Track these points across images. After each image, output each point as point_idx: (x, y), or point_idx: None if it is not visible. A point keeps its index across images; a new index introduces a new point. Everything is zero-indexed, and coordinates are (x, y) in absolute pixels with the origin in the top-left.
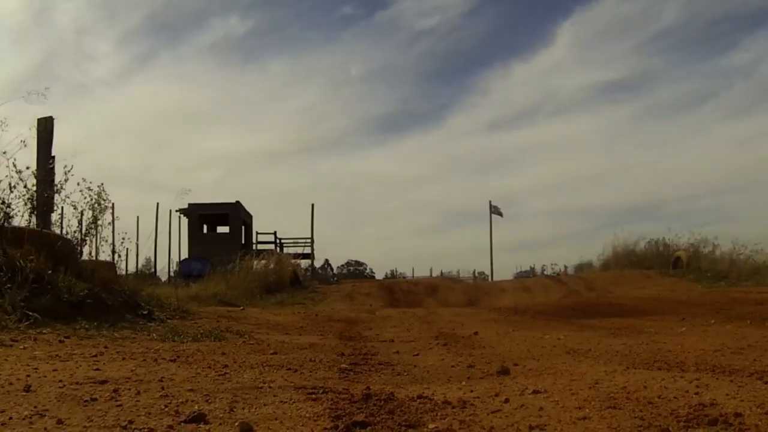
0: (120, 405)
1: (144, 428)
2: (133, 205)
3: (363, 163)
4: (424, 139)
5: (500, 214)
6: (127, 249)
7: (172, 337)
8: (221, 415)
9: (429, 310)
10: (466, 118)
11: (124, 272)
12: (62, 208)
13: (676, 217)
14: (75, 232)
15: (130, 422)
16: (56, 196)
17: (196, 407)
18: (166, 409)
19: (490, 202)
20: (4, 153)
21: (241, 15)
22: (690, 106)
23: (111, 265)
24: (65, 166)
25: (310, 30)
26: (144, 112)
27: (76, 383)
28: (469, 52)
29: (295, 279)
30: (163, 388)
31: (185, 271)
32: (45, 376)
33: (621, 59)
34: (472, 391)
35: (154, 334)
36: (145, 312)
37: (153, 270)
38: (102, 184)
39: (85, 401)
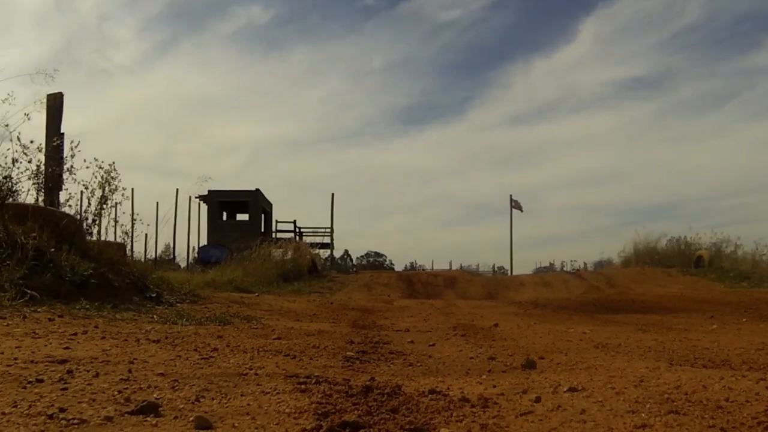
0: (65, 389)
1: (75, 419)
2: (154, 192)
3: (384, 155)
4: (445, 132)
5: (520, 209)
6: (146, 234)
7: (175, 320)
8: (181, 406)
9: (448, 301)
10: (487, 112)
11: (142, 256)
12: (74, 187)
13: (696, 216)
14: (85, 211)
15: (62, 410)
16: (66, 174)
17: (154, 395)
18: (118, 395)
19: (510, 196)
20: (7, 126)
21: (263, 3)
22: (712, 105)
23: (120, 246)
24: (72, 142)
25: (332, 20)
26: (165, 98)
27: (31, 362)
28: (491, 45)
29: (313, 268)
30: (129, 371)
31: (204, 258)
32: (2, 353)
33: (643, 56)
34: (495, 386)
35: (155, 317)
36: (154, 295)
37: (172, 256)
38: (113, 162)
39: (28, 382)
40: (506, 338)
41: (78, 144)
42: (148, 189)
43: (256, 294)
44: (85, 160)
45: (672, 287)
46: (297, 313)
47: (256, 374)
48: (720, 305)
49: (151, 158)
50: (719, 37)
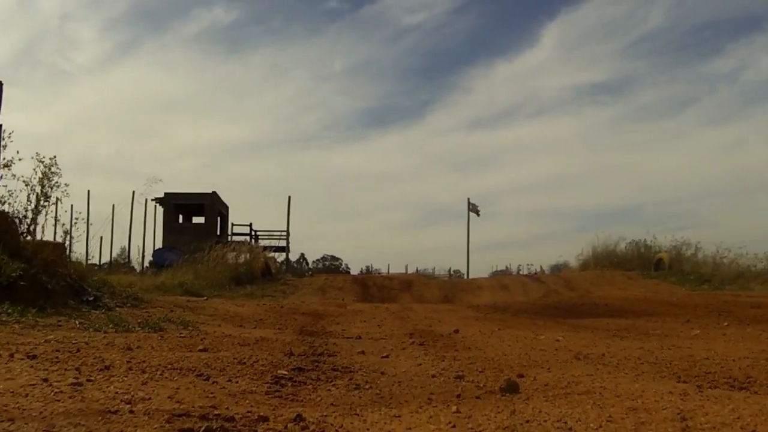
0: None
1: None
2: (112, 194)
3: (343, 158)
4: (405, 135)
5: (477, 213)
6: (101, 237)
7: (101, 327)
8: None
9: (403, 305)
10: (447, 116)
11: (95, 258)
12: (13, 183)
13: (654, 221)
14: (24, 208)
15: None
16: (2, 170)
17: None
18: None
19: (468, 199)
20: None
21: (226, 5)
22: (672, 110)
23: (58, 247)
24: (4, 131)
25: (294, 22)
26: (126, 100)
27: None
28: (453, 49)
29: (266, 271)
30: None
31: (158, 261)
32: None
33: (605, 62)
34: (472, 428)
35: (81, 322)
36: (91, 299)
37: (127, 259)
38: (54, 156)
39: None
40: (470, 347)
41: (11, 134)
42: (106, 191)
43: (205, 298)
44: (18, 152)
45: (633, 290)
46: (242, 318)
47: (131, 412)
48: (687, 308)
49: (109, 160)
50: (681, 44)
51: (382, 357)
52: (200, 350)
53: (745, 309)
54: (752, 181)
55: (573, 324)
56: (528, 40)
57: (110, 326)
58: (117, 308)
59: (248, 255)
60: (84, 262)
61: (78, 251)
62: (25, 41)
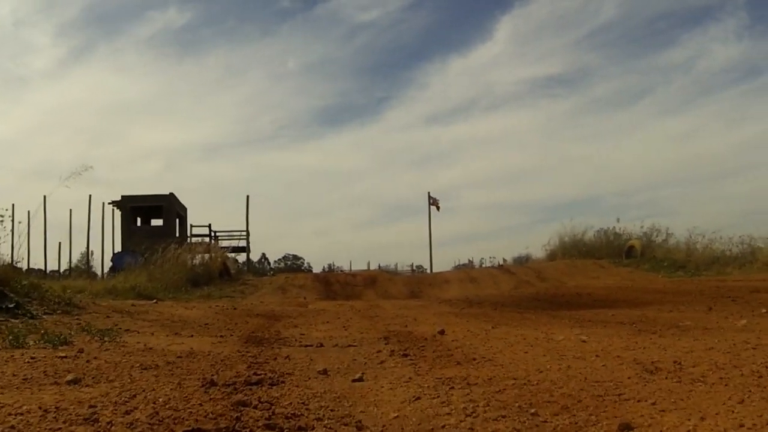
0: None
1: None
2: (71, 200)
3: (300, 157)
4: (361, 133)
5: (437, 207)
6: (60, 243)
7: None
8: None
9: (369, 302)
10: (404, 112)
11: (56, 266)
12: None
13: (614, 211)
14: None
15: None
16: None
17: None
18: None
19: (428, 193)
20: None
21: (179, 7)
22: (627, 102)
23: None
24: None
25: (247, 22)
26: (83, 105)
27: None
28: (408, 46)
29: (225, 271)
30: None
31: (117, 265)
32: None
33: (559, 55)
34: None
35: None
36: (11, 305)
37: (87, 264)
38: None
39: None
40: (474, 358)
41: None
42: (65, 197)
43: (155, 301)
44: None
45: (606, 279)
46: (186, 322)
47: None
48: (684, 295)
49: (68, 165)
50: (635, 36)
51: (353, 381)
52: (69, 382)
53: (746, 293)
54: (709, 169)
55: (573, 318)
56: (481, 35)
57: (13, 339)
58: (43, 316)
59: (205, 255)
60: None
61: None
62: None
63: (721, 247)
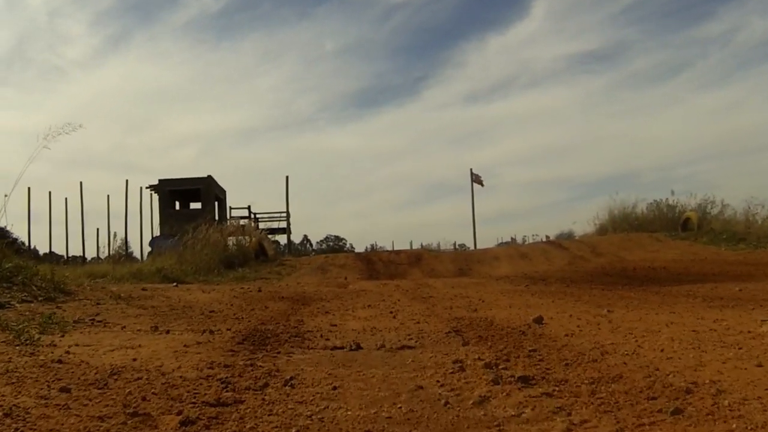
0: None
1: None
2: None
3: (339, 139)
4: (400, 113)
5: (481, 183)
6: (98, 229)
7: None
8: None
9: (416, 281)
10: (442, 91)
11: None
12: None
13: (653, 186)
14: None
15: None
16: None
17: None
18: None
19: (471, 170)
20: None
21: None
22: (665, 76)
23: None
24: None
25: (283, 6)
26: (119, 93)
27: None
28: (444, 25)
29: (261, 251)
30: None
31: (155, 249)
32: None
33: (595, 30)
34: None
35: None
36: None
37: (125, 250)
38: None
39: None
40: (683, 383)
41: None
42: (104, 185)
43: (174, 284)
44: None
45: (667, 252)
46: (187, 310)
47: None
48: None
49: (105, 153)
50: (671, 9)
51: None
52: None
53: None
54: (749, 142)
55: (684, 295)
56: (518, 12)
57: None
58: (18, 304)
59: (240, 236)
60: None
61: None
62: (14, 40)
63: None
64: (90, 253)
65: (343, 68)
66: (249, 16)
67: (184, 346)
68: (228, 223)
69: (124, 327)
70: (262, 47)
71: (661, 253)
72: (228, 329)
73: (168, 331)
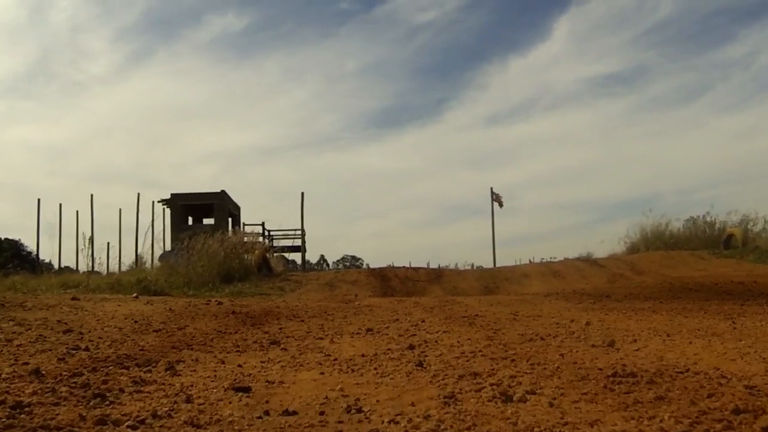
0: None
1: None
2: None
3: (359, 159)
4: (421, 134)
5: (501, 203)
6: (108, 243)
7: None
8: None
9: (439, 299)
10: (463, 113)
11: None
12: None
13: (675, 209)
14: None
15: None
16: None
17: None
18: None
19: (491, 188)
20: None
21: (237, 11)
22: (686, 99)
23: None
24: None
25: (306, 26)
26: (140, 109)
27: None
28: (466, 46)
29: (263, 265)
30: None
31: (164, 264)
32: None
33: (617, 53)
34: None
35: None
36: None
37: (136, 264)
38: None
39: None
40: None
41: None
42: (123, 199)
43: (135, 296)
44: None
45: (716, 270)
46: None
47: None
48: None
49: (125, 169)
50: (692, 32)
51: None
52: None
53: None
54: None
55: None
56: (540, 34)
57: None
58: None
59: (239, 248)
60: None
61: None
62: (37, 54)
63: None
64: (99, 266)
65: (365, 88)
66: (271, 35)
67: None
68: (230, 235)
69: None
70: (284, 66)
71: (710, 270)
72: None
73: None
